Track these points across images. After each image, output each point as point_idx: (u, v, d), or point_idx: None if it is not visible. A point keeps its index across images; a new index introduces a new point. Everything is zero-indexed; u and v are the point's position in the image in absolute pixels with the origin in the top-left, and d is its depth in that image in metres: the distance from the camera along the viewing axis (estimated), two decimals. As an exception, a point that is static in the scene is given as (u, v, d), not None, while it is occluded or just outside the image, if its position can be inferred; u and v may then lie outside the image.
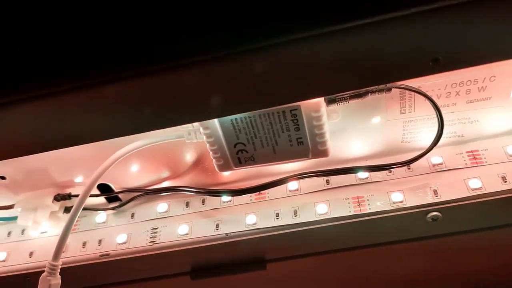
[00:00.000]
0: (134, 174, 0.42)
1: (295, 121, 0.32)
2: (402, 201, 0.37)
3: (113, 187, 0.43)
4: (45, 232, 0.43)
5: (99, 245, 0.41)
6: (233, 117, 0.32)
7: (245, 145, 0.34)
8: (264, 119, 0.32)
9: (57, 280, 0.35)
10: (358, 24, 0.23)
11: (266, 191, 0.40)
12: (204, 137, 0.33)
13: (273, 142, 0.33)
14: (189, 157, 0.41)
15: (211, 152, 0.34)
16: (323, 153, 0.34)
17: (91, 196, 0.43)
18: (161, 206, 0.42)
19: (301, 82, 0.25)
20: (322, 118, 0.32)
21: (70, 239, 0.42)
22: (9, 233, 0.45)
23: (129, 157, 0.38)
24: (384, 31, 0.24)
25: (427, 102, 0.35)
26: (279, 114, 0.32)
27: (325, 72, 0.25)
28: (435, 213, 0.37)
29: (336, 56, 0.24)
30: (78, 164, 0.42)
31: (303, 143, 0.33)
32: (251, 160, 0.35)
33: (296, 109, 0.31)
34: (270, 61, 0.24)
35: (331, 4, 0.22)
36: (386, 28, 0.24)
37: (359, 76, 0.26)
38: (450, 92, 0.36)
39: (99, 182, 0.41)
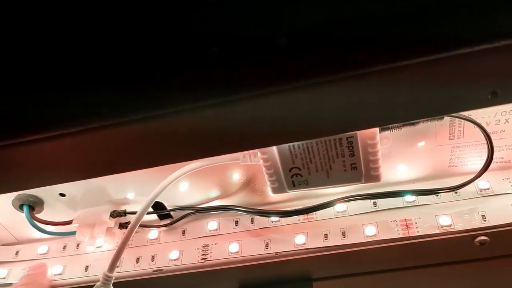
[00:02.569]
0: (186, 193, 0.44)
1: (351, 148, 0.33)
2: (451, 225, 0.38)
3: (165, 204, 0.45)
4: (100, 246, 0.45)
5: (152, 261, 0.43)
6: (290, 143, 0.33)
7: (300, 170, 0.35)
8: (320, 145, 0.33)
9: (111, 291, 0.37)
10: (427, 60, 0.24)
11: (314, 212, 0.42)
12: (261, 161, 0.35)
13: (327, 167, 0.35)
14: (240, 178, 0.42)
15: (266, 176, 0.36)
16: (376, 178, 0.35)
17: (144, 213, 0.45)
18: (211, 224, 0.44)
19: (378, 111, 0.26)
20: (377, 145, 0.33)
21: (124, 254, 0.44)
22: (64, 247, 0.47)
23: (182, 177, 0.40)
24: (449, 67, 0.25)
25: (476, 129, 0.36)
26: (336, 141, 0.33)
27: (398, 103, 0.26)
28: (483, 237, 0.37)
29: (408, 89, 0.25)
30: (133, 183, 0.43)
31: (357, 168, 0.35)
32: (305, 184, 0.36)
33: (352, 137, 0.33)
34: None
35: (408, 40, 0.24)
36: (451, 64, 0.25)
37: (421, 108, 0.28)
38: (499, 120, 0.36)
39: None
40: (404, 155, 0.40)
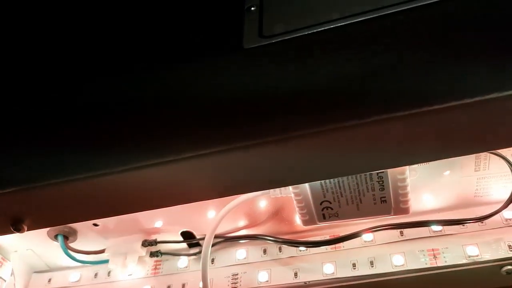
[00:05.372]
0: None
1: (381, 182, 0.34)
2: (478, 255, 0.38)
3: (194, 233, 0.46)
4: (131, 274, 0.47)
5: (183, 289, 0.44)
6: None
7: (330, 203, 0.36)
8: (351, 180, 0.35)
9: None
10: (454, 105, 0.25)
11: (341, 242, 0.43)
12: (293, 195, 0.36)
13: (357, 201, 0.36)
14: (269, 208, 0.44)
15: (297, 208, 0.37)
16: (405, 210, 0.36)
17: (174, 242, 0.46)
18: (240, 252, 0.45)
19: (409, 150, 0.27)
20: (406, 180, 0.34)
21: (155, 282, 0.45)
22: (96, 275, 0.48)
23: (213, 207, 0.41)
24: (478, 111, 0.26)
25: (502, 160, 0.37)
26: (366, 176, 0.34)
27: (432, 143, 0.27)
28: (510, 267, 0.38)
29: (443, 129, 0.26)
30: (163, 213, 0.45)
31: (386, 201, 0.35)
32: (335, 216, 0.37)
33: (383, 172, 0.34)
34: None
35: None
36: (480, 108, 0.26)
37: (452, 149, 0.28)
38: (524, 152, 0.37)
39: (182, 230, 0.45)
40: (430, 186, 0.40)
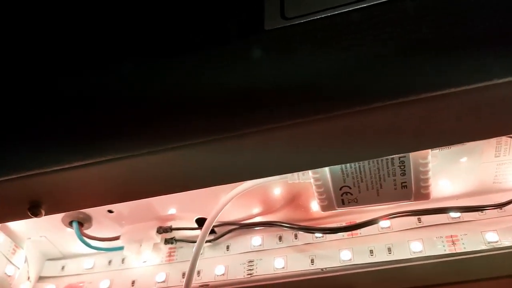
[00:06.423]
0: (230, 209, 0.45)
1: (402, 167, 0.34)
2: (497, 241, 0.38)
3: (210, 220, 0.46)
4: (145, 261, 0.46)
5: (198, 276, 0.44)
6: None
7: (350, 188, 0.36)
8: (372, 165, 0.34)
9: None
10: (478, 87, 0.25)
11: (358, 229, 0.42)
12: (313, 180, 0.36)
13: (377, 186, 0.35)
14: (285, 194, 0.43)
15: (316, 194, 0.37)
16: (425, 196, 0.36)
17: (189, 229, 0.46)
18: (255, 239, 0.45)
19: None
20: (428, 165, 0.34)
21: (169, 269, 0.45)
22: (110, 262, 0.48)
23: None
24: (502, 93, 0.25)
25: (523, 146, 0.36)
26: (388, 161, 0.34)
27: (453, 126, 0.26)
28: (529, 253, 0.38)
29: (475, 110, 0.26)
30: (179, 199, 0.45)
31: (407, 187, 0.35)
32: (354, 202, 0.37)
33: (405, 157, 0.33)
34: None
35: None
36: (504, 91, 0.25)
37: (477, 131, 0.28)
38: (546, 137, 0.37)
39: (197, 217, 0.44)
40: (449, 172, 0.40)
